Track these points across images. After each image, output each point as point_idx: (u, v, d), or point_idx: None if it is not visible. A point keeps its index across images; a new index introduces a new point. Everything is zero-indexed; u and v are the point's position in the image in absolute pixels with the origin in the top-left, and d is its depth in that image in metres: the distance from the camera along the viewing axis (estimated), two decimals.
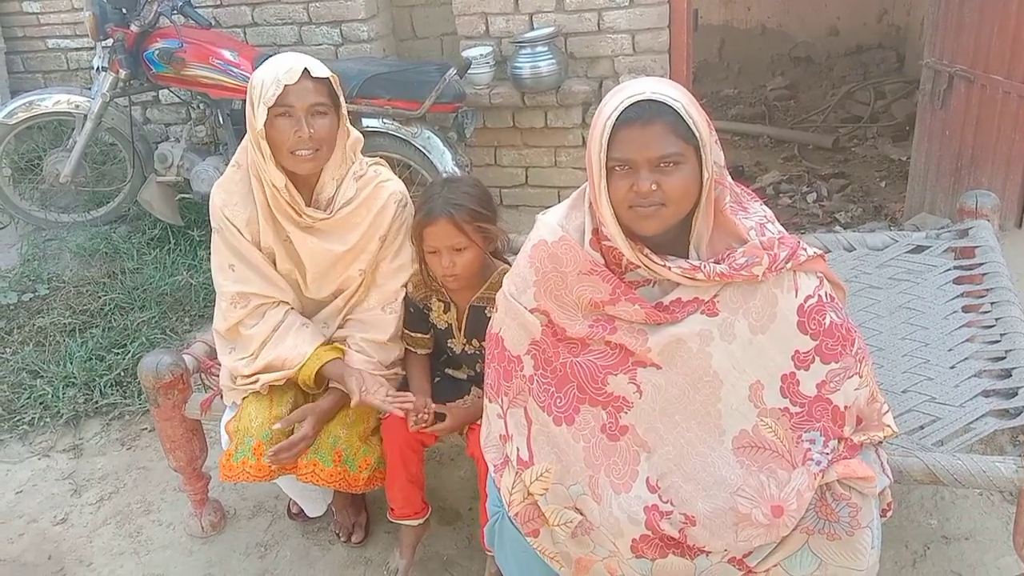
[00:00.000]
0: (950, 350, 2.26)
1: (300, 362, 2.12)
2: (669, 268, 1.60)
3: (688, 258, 1.63)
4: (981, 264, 2.53)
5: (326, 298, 2.23)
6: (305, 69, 1.98)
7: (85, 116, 4.13)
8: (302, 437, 2.09)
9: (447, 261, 2.04)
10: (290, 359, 2.13)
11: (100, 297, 3.78)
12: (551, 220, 1.73)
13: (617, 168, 1.54)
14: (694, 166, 1.54)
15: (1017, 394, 2.03)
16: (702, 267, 1.59)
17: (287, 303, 2.19)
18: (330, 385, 2.18)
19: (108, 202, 4.51)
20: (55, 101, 4.23)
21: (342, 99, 2.08)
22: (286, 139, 2.00)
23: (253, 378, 2.17)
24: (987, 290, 2.44)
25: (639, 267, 1.63)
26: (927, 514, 2.42)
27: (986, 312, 2.37)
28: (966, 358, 2.22)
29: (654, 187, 1.52)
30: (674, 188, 1.53)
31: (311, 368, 2.12)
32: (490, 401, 1.81)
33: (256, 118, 1.99)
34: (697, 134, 1.52)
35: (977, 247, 2.59)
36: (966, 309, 2.41)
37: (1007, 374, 2.12)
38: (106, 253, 4.18)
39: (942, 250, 2.66)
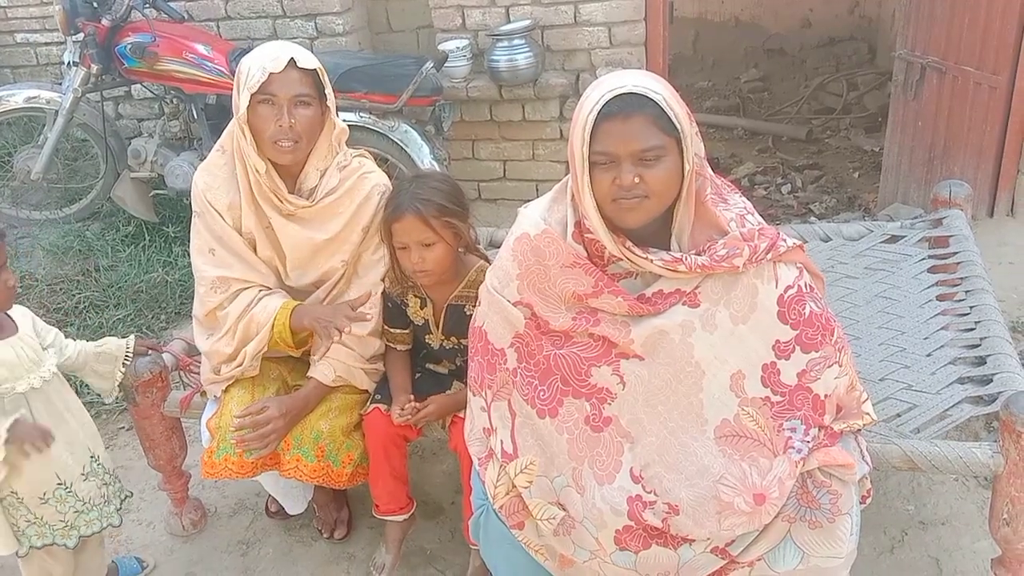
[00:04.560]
0: (926, 338, 2.29)
1: (270, 319, 2.10)
2: (651, 260, 1.61)
3: (670, 250, 1.64)
4: (955, 253, 2.56)
5: (307, 287, 2.22)
6: (292, 59, 1.97)
7: (56, 112, 4.07)
8: (266, 418, 2.07)
9: (416, 257, 2.03)
10: (261, 321, 2.12)
11: (74, 295, 3.73)
12: (533, 213, 1.73)
13: (600, 161, 1.54)
14: (676, 158, 1.55)
15: (992, 381, 2.06)
16: (684, 259, 1.60)
17: (267, 287, 2.18)
18: (307, 375, 2.18)
19: (81, 199, 4.45)
20: (25, 97, 4.18)
21: (329, 91, 2.07)
22: (267, 127, 1.99)
23: (237, 360, 2.16)
24: (961, 279, 2.47)
25: (621, 259, 1.64)
26: (904, 500, 2.45)
27: (961, 300, 2.40)
28: (942, 346, 2.25)
29: (637, 180, 1.53)
30: (656, 180, 1.54)
31: (282, 320, 2.10)
32: (474, 395, 1.82)
33: (239, 103, 1.99)
34: (678, 126, 1.53)
35: (951, 236, 2.62)
36: (941, 298, 2.44)
37: (982, 361, 2.16)
38: (79, 251, 4.12)
39: (917, 240, 2.69)
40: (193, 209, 2.17)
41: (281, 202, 2.09)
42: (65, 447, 2.02)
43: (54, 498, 2.01)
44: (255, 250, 2.16)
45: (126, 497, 2.23)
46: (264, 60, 1.97)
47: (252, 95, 1.96)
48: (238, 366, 2.16)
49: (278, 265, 2.19)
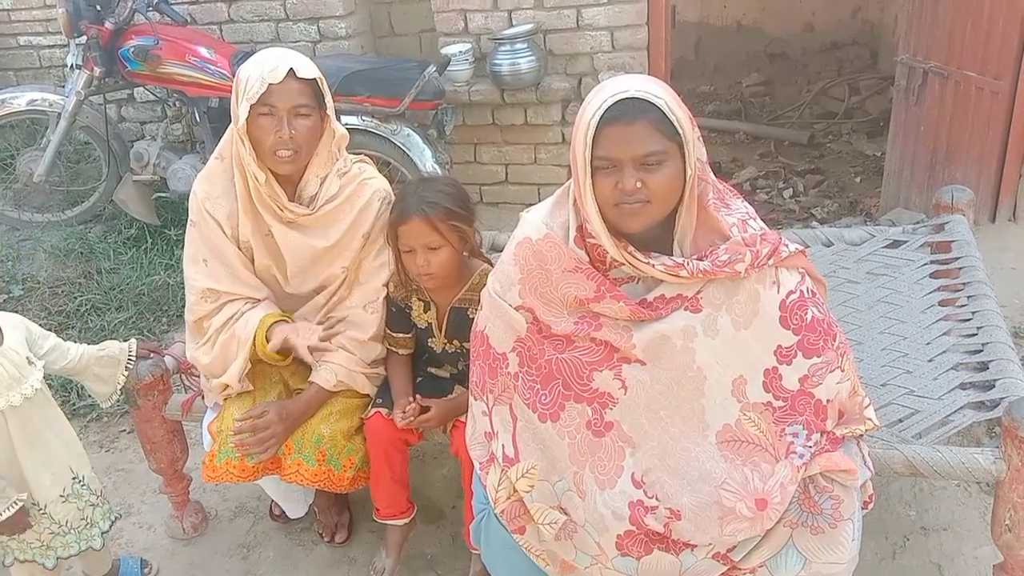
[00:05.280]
0: (928, 343, 2.28)
1: (251, 335, 2.10)
2: (653, 265, 1.60)
3: (672, 255, 1.64)
4: (957, 258, 2.56)
5: (307, 293, 2.22)
6: (291, 69, 1.96)
7: (59, 115, 4.08)
8: (266, 423, 2.07)
9: (422, 260, 2.03)
10: (242, 338, 2.11)
11: (76, 298, 3.74)
12: (535, 218, 1.73)
13: (602, 166, 1.54)
14: (678, 163, 1.55)
15: (994, 386, 2.06)
16: (685, 264, 1.60)
17: (255, 299, 2.18)
18: (309, 380, 2.18)
19: (83, 201, 4.46)
20: (28, 99, 4.19)
21: (328, 99, 2.07)
22: (267, 138, 1.99)
23: (223, 382, 2.15)
24: (963, 284, 2.47)
25: (623, 264, 1.64)
26: (906, 506, 2.45)
27: (963, 306, 2.40)
28: (944, 351, 2.24)
29: (639, 185, 1.52)
30: (659, 186, 1.54)
31: (260, 335, 2.09)
32: (475, 399, 1.81)
33: (239, 114, 1.98)
34: (680, 131, 1.53)
35: (953, 241, 2.62)
36: (943, 303, 2.44)
37: (984, 367, 2.15)
38: (81, 253, 4.13)
39: (919, 245, 2.69)
40: (189, 217, 2.17)
41: (281, 210, 2.09)
42: (44, 468, 2.00)
43: (30, 518, 1.99)
44: (252, 259, 2.16)
45: (116, 519, 2.22)
46: (263, 70, 1.95)
47: (251, 106, 1.96)
48: (226, 387, 2.17)
49: (275, 273, 2.19)
